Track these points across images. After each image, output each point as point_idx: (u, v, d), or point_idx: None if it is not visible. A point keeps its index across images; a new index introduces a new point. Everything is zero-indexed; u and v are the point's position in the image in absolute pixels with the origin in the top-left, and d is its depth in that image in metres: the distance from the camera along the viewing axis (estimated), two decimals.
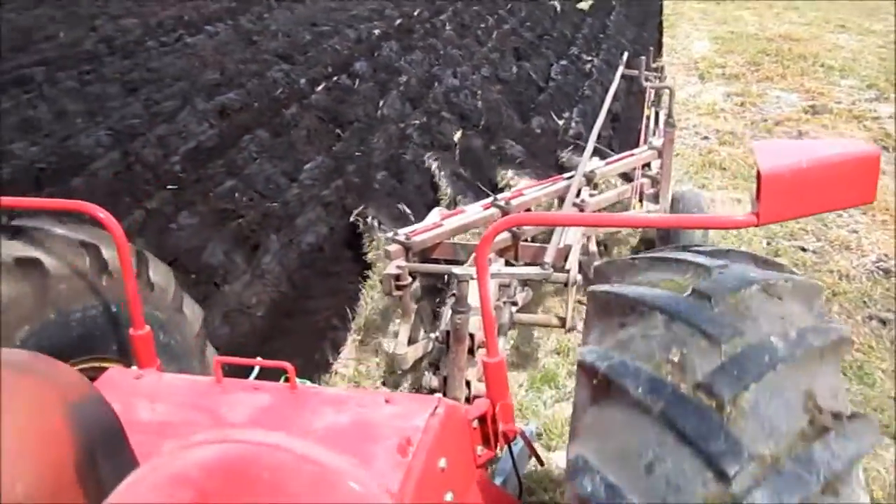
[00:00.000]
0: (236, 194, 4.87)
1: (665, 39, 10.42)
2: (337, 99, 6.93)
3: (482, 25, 10.40)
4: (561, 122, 6.60)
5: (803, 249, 4.75)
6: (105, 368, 1.74)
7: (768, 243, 4.73)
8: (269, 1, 11.59)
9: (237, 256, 4.21)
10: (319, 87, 7.23)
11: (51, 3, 10.98)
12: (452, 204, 4.78)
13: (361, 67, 7.86)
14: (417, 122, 6.36)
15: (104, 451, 1.15)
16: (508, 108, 6.89)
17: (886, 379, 3.52)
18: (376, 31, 9.63)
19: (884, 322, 3.98)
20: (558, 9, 11.85)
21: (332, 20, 10.27)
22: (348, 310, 3.89)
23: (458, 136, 6.19)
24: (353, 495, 1.01)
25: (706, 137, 6.66)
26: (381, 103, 6.92)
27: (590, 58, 8.81)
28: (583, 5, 12.57)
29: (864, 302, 4.18)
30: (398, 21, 10.34)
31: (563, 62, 8.46)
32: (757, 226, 1.31)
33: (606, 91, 6.76)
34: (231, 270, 4.10)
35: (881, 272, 4.46)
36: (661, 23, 11.51)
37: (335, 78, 7.53)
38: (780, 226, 4.98)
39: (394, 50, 8.71)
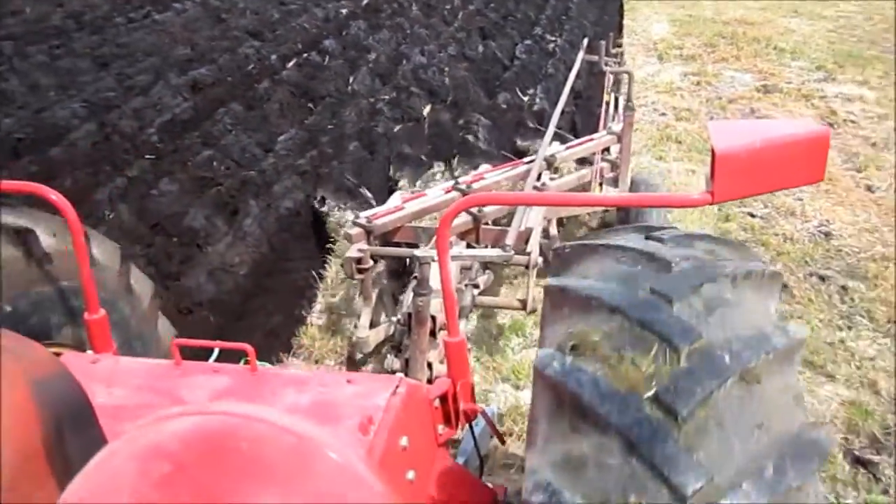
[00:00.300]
0: (214, 163, 5.03)
1: (626, 22, 10.73)
2: (308, 75, 7.08)
3: (448, 6, 10.57)
4: (525, 99, 6.85)
5: (752, 215, 5.08)
6: (59, 355, 1.69)
7: (719, 209, 5.05)
8: None
9: (218, 220, 4.39)
10: (290, 64, 7.37)
11: None
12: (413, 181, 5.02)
13: (331, 45, 8.01)
14: (387, 97, 6.56)
15: (72, 427, 1.13)
16: (475, 85, 7.11)
17: (822, 327, 3.86)
18: (344, 11, 9.75)
19: (822, 279, 4.32)
20: None
21: (298, 1, 10.35)
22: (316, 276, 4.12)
23: (426, 110, 6.41)
24: (331, 464, 1.00)
25: (664, 114, 6.99)
26: (351, 79, 7.09)
27: (553, 38, 9.07)
28: None
29: (806, 261, 4.52)
30: (365, 1, 10.46)
31: (528, 42, 8.71)
32: (712, 203, 1.34)
33: (569, 70, 7.05)
34: (212, 234, 4.28)
35: (822, 235, 4.82)
36: (621, 6, 11.81)
37: (305, 55, 7.67)
38: None
39: (362, 28, 8.86)
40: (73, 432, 1.11)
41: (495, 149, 5.63)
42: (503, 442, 1.97)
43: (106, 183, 4.65)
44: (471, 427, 1.83)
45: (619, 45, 6.57)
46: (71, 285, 1.99)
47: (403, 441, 1.47)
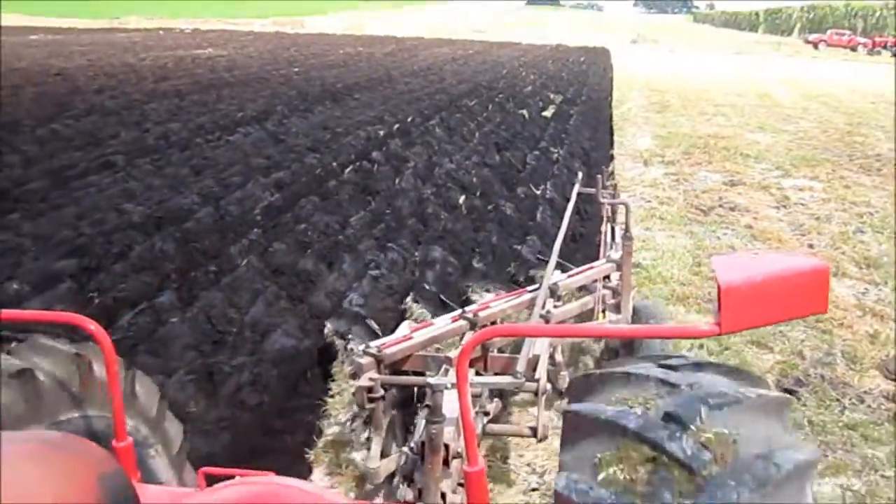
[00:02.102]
0: (308, 232, 6.65)
1: (615, 138, 12.71)
2: (363, 177, 8.85)
3: (464, 129, 12.60)
4: (538, 191, 8.58)
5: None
6: None
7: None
8: (284, 110, 13.74)
9: (320, 266, 5.94)
10: (347, 170, 9.17)
11: (98, 114, 12.94)
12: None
13: (377, 156, 9.86)
14: (430, 191, 8.28)
15: None
16: (496, 183, 8.87)
17: None
18: (381, 132, 11.74)
19: None
20: (526, 116, 14.20)
21: (341, 125, 12.37)
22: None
23: (462, 199, 8.11)
24: None
25: (649, 201, 8.69)
26: (397, 180, 8.85)
27: (555, 150, 10.96)
28: (546, 113, 14.99)
29: None
30: (396, 125, 12.49)
31: (536, 153, 10.58)
32: (719, 335, 1.38)
33: (570, 173, 8.83)
34: (319, 276, 5.82)
35: None
36: (611, 127, 13.87)
37: (358, 163, 9.49)
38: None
39: (399, 145, 10.77)
40: None
41: (517, 224, 7.26)
42: None
43: (235, 242, 6.25)
44: None
45: (614, 183, 6.72)
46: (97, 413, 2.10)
47: None
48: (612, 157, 10.94)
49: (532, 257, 6.17)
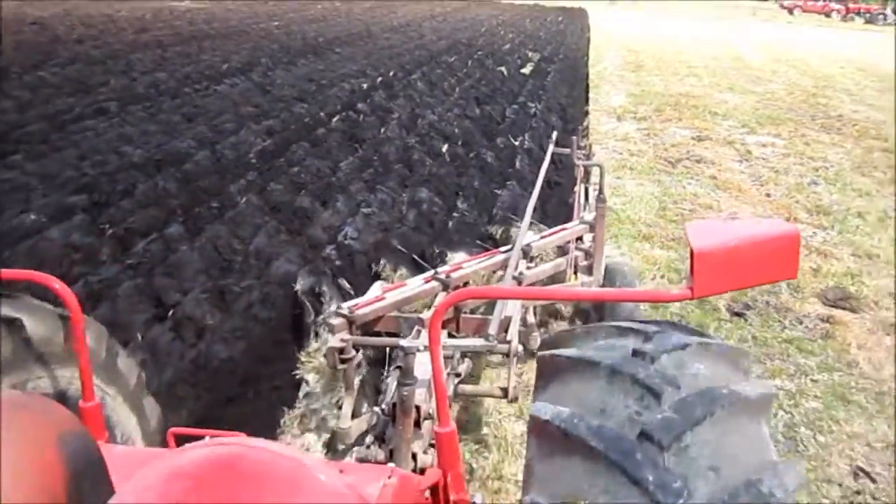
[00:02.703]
0: (302, 175, 7.07)
1: (591, 95, 13.16)
2: (350, 126, 9.23)
3: (445, 84, 12.95)
4: (517, 142, 9.04)
5: (682, 216, 7.19)
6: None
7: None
8: (268, 63, 13.97)
9: (316, 205, 6.38)
10: (335, 119, 9.54)
11: (82, 63, 13.08)
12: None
13: (362, 107, 10.23)
14: (414, 140, 8.70)
15: (90, 477, 1.25)
16: (477, 134, 9.31)
17: None
18: (364, 85, 12.07)
19: None
20: (505, 73, 14.57)
21: (325, 78, 12.66)
22: None
23: (445, 147, 8.55)
24: (323, 486, 1.11)
25: (620, 153, 9.21)
26: (383, 130, 9.25)
27: (533, 105, 11.39)
28: (524, 71, 15.36)
29: None
30: (379, 79, 12.81)
31: (514, 107, 11.01)
32: (691, 299, 1.41)
33: (548, 126, 9.28)
34: (313, 213, 6.25)
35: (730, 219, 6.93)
36: (587, 85, 14.30)
37: (344, 113, 9.86)
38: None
39: (382, 97, 11.12)
40: (90, 482, 1.20)
41: (497, 171, 7.73)
42: None
43: (232, 183, 6.66)
44: None
45: (589, 143, 6.47)
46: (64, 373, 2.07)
47: None
48: (587, 113, 11.40)
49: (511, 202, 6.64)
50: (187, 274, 4.96)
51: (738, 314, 4.98)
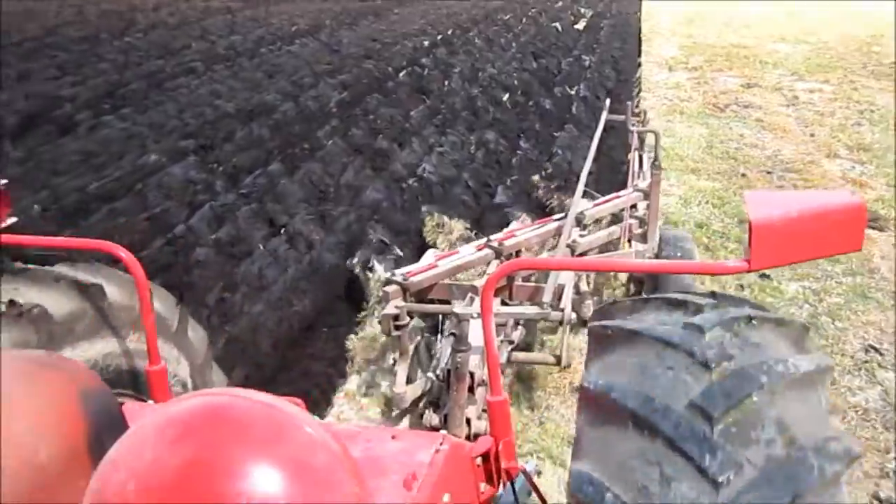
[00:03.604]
0: (378, 121, 7.83)
1: (643, 47, 13.58)
2: (416, 80, 9.95)
3: (502, 40, 13.53)
4: (573, 92, 9.63)
5: (736, 149, 7.74)
6: (121, 404, 1.69)
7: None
8: (332, 24, 14.73)
9: (394, 146, 7.14)
10: (402, 74, 10.26)
11: (162, 29, 14.04)
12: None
13: (426, 62, 10.92)
14: (477, 91, 9.38)
15: (109, 430, 1.29)
16: (535, 85, 9.93)
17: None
18: (425, 43, 12.74)
19: (769, 172, 6.95)
20: (559, 28, 15.04)
21: (388, 37, 13.36)
22: None
23: (506, 97, 9.21)
24: (307, 436, 1.12)
25: (671, 100, 9.72)
26: (446, 83, 9.94)
27: (587, 58, 11.92)
28: (578, 26, 15.80)
29: (766, 167, 7.16)
30: (439, 37, 13.46)
31: (569, 59, 11.56)
32: (749, 272, 1.38)
33: (601, 76, 9.81)
34: (392, 153, 7.01)
35: (776, 157, 7.47)
36: (640, 38, 14.68)
37: (409, 68, 10.57)
38: None
39: (444, 53, 11.79)
40: (109, 434, 1.22)
41: (556, 116, 8.37)
42: (544, 502, 2.02)
43: (318, 129, 7.47)
44: (512, 486, 1.85)
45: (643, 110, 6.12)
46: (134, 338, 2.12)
47: (446, 498, 1.53)
48: (639, 65, 11.87)
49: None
50: (291, 201, 5.80)
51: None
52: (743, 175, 6.84)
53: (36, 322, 1.85)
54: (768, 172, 6.97)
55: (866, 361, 4.00)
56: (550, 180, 6.17)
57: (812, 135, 8.24)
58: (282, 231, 5.23)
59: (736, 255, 5.16)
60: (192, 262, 4.66)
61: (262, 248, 4.97)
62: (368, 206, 5.76)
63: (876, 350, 4.09)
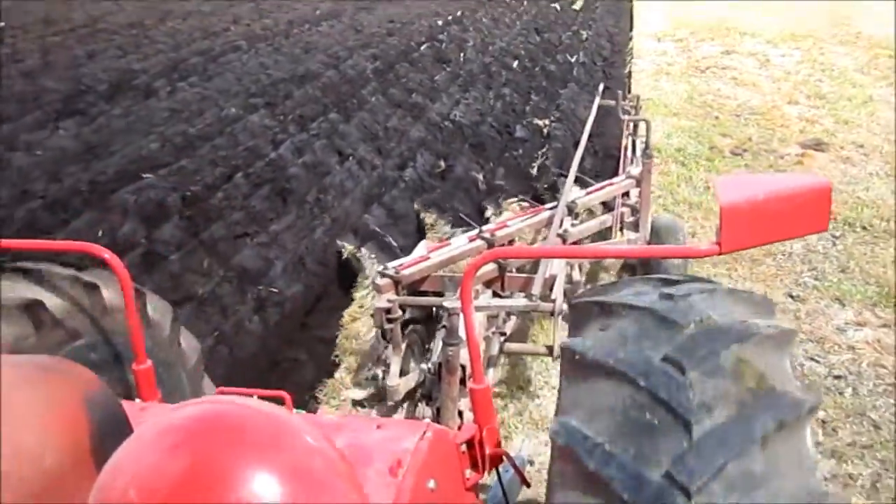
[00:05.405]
0: (410, 84, 9.27)
1: (636, 22, 15.01)
2: (435, 52, 11.38)
3: (507, 18, 14.95)
4: (573, 59, 11.07)
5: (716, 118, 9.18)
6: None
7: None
8: (351, 9, 16.17)
9: (427, 101, 8.58)
10: (423, 47, 11.71)
11: (197, 15, 15.46)
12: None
13: (442, 37, 12.36)
14: (489, 59, 10.81)
15: (113, 435, 1.28)
16: (540, 54, 11.37)
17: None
18: (439, 22, 14.17)
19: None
20: (558, 8, 16.48)
21: (404, 18, 14.79)
22: None
23: (515, 63, 10.65)
24: (305, 443, 1.15)
25: (658, 64, 11.17)
26: (462, 55, 11.37)
27: (585, 32, 13.35)
28: (575, 6, 17.22)
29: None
30: (450, 17, 14.89)
31: (569, 33, 13.00)
32: (719, 254, 1.42)
33: (597, 45, 11.24)
34: (425, 105, 8.44)
35: (743, 105, 8.91)
36: (632, 15, 16.10)
37: (428, 43, 12.01)
38: None
39: (456, 31, 13.22)
40: (113, 439, 1.22)
41: (559, 77, 9.81)
42: (528, 485, 2.03)
43: (362, 88, 8.91)
44: (498, 472, 1.89)
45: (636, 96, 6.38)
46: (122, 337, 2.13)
47: (431, 483, 1.57)
48: (630, 38, 13.30)
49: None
50: (351, 140, 7.25)
51: (736, 153, 7.05)
52: (716, 117, 8.29)
53: (35, 321, 1.92)
54: (737, 116, 8.41)
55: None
56: (560, 122, 7.62)
57: (779, 88, 9.69)
58: (350, 157, 6.68)
59: (706, 171, 6.65)
60: (288, 176, 6.11)
61: (338, 168, 6.43)
62: (415, 141, 7.21)
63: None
